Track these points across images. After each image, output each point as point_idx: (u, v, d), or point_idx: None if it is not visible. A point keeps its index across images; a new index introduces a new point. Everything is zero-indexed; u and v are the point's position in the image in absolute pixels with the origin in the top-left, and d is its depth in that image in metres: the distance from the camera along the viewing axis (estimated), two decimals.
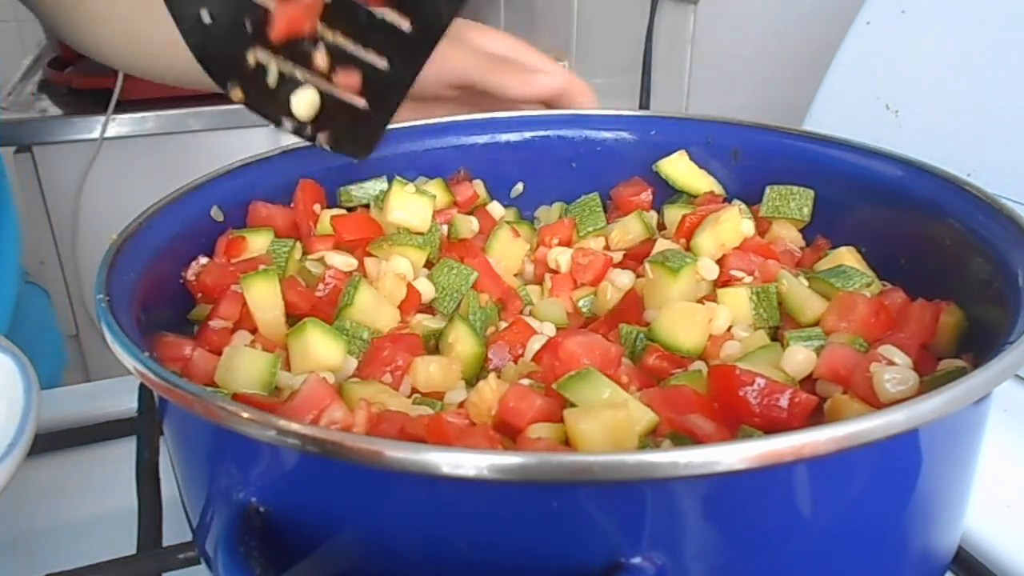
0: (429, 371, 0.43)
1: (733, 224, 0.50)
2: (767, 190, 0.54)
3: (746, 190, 0.56)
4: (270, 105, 0.49)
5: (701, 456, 0.27)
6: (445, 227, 0.56)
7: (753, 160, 0.57)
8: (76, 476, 0.56)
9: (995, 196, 0.43)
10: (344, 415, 0.36)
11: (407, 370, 0.43)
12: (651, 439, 0.36)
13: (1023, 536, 0.47)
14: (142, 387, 0.55)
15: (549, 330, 0.48)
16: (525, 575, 0.30)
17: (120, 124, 1.54)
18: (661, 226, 0.57)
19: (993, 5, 0.66)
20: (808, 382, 0.41)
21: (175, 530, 0.45)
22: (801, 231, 0.54)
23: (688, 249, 0.50)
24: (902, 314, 0.44)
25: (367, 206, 0.56)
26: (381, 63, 0.48)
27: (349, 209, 0.56)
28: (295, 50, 0.48)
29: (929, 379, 0.38)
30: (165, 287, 0.47)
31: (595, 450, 0.34)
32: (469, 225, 0.57)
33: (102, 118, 1.53)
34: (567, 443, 0.35)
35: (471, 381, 0.45)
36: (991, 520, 0.48)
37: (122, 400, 0.60)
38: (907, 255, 0.48)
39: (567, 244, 0.57)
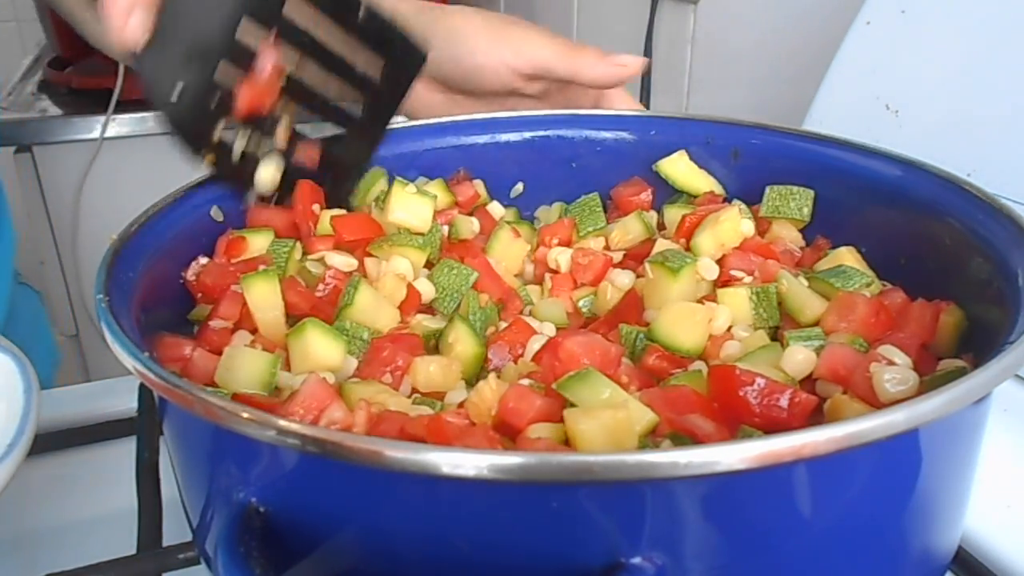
0: (429, 371, 0.43)
1: (733, 224, 0.50)
2: (767, 190, 0.54)
3: (746, 190, 0.56)
4: (236, 178, 0.51)
5: (701, 456, 0.27)
6: (446, 228, 0.56)
7: (753, 160, 0.57)
8: (76, 476, 0.56)
9: (995, 196, 0.43)
10: (344, 415, 0.36)
11: (407, 370, 0.43)
12: (651, 439, 0.36)
13: (1023, 536, 0.47)
14: (142, 387, 0.55)
15: (549, 330, 0.48)
16: (525, 575, 0.30)
17: (120, 124, 1.55)
18: (661, 226, 0.57)
19: (993, 5, 0.66)
20: (808, 382, 0.41)
21: (175, 530, 0.45)
22: (801, 231, 0.54)
23: (688, 249, 0.50)
24: (902, 314, 0.44)
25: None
26: (338, 140, 0.54)
27: (348, 209, 0.56)
28: (258, 125, 0.51)
29: (929, 379, 0.38)
30: (165, 287, 0.47)
31: (595, 450, 0.34)
32: (470, 226, 0.57)
33: (102, 118, 1.53)
34: (567, 443, 0.35)
35: (471, 381, 0.45)
36: (991, 520, 0.48)
37: (122, 400, 0.60)
38: (907, 255, 0.48)
39: (567, 244, 0.57)
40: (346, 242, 0.51)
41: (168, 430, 0.38)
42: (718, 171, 0.58)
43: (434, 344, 0.47)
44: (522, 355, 0.46)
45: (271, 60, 0.49)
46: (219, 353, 0.42)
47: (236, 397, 0.39)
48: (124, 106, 1.53)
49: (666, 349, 0.43)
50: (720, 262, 0.49)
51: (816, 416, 0.37)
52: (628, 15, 1.30)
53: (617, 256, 0.55)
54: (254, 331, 0.45)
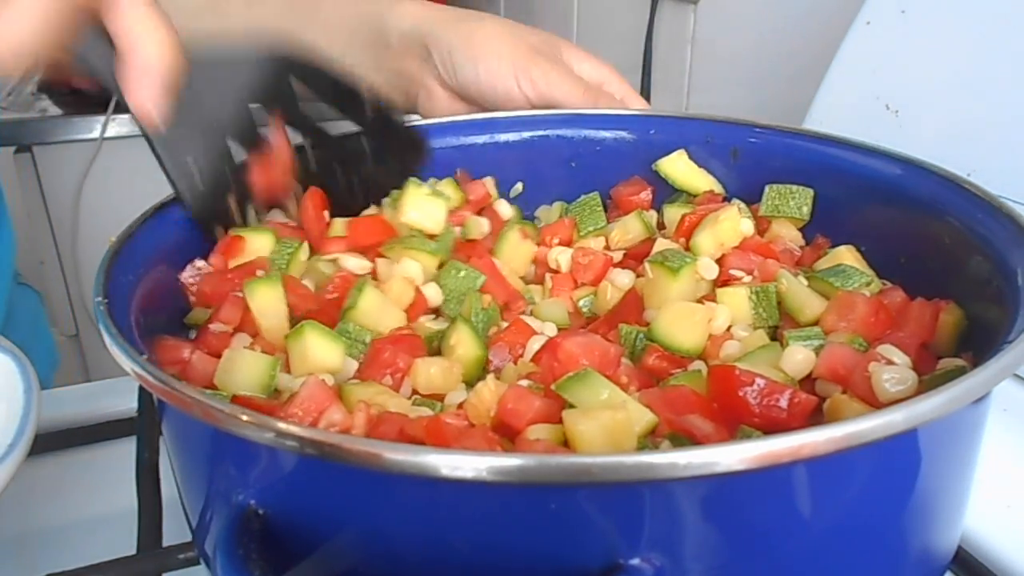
0: (430, 373, 0.42)
1: (732, 223, 0.50)
2: (766, 189, 0.54)
3: (746, 189, 0.56)
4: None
5: (700, 457, 0.27)
6: (458, 229, 0.55)
7: (752, 159, 0.57)
8: (76, 476, 0.56)
9: (995, 195, 0.43)
10: (343, 417, 0.36)
11: (407, 372, 0.43)
12: (650, 440, 0.36)
13: (1023, 536, 0.47)
14: (142, 388, 0.55)
15: (550, 330, 0.48)
16: None
17: (120, 124, 1.54)
18: (661, 225, 0.57)
19: (993, 5, 0.66)
20: (808, 382, 0.41)
21: (175, 530, 0.45)
22: (801, 230, 0.54)
23: (688, 249, 0.50)
24: (901, 313, 0.44)
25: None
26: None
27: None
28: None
29: (928, 378, 0.38)
30: (164, 289, 0.47)
31: (594, 451, 0.34)
32: (480, 227, 0.57)
33: (102, 118, 1.53)
34: (566, 444, 0.35)
35: (472, 384, 0.44)
36: (991, 520, 0.47)
37: (122, 400, 0.60)
38: (907, 254, 0.48)
39: (567, 244, 0.57)
40: (358, 246, 0.51)
41: (167, 432, 0.38)
42: (718, 170, 0.58)
43: (436, 345, 0.47)
44: (522, 355, 0.46)
45: (283, 145, 0.52)
46: (218, 356, 0.42)
47: (235, 399, 0.39)
48: (124, 106, 1.53)
49: (666, 349, 0.43)
50: (720, 261, 0.48)
51: (816, 416, 0.37)
52: (628, 15, 1.30)
53: (617, 256, 0.55)
54: (254, 334, 0.45)
